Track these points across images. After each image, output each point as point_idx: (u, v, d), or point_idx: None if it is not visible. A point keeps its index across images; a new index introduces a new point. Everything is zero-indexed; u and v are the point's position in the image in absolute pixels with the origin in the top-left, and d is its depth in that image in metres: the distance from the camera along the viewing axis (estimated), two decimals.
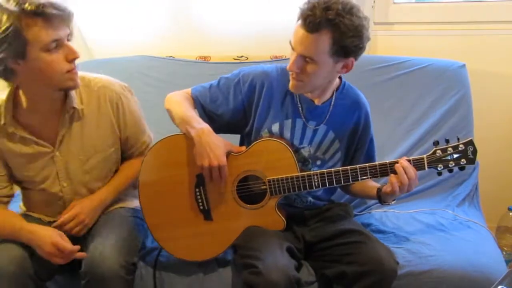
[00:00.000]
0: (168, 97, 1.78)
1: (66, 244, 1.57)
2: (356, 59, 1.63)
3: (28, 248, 1.58)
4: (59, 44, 1.46)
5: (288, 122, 1.75)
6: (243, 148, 1.72)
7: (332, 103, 1.75)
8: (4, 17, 1.37)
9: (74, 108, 1.63)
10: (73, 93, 1.62)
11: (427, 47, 2.45)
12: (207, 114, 1.77)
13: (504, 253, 2.31)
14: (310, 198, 1.81)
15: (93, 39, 2.60)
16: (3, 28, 1.37)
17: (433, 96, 2.24)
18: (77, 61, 1.55)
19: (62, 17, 1.43)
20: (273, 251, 1.56)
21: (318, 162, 1.78)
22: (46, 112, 1.62)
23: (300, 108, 1.75)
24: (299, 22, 1.56)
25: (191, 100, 1.77)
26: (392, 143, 2.18)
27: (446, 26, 2.47)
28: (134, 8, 2.55)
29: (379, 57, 2.38)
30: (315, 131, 1.76)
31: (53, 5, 1.41)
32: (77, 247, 1.58)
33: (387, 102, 2.27)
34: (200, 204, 1.72)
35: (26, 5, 1.38)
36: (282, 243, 1.62)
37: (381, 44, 2.51)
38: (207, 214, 1.73)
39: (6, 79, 1.50)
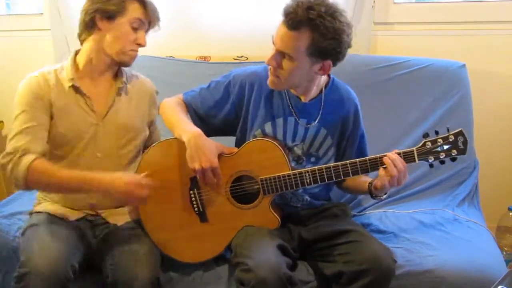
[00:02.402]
0: (162, 104, 1.83)
1: (139, 177, 1.64)
2: (334, 64, 1.63)
3: (65, 248, 1.57)
4: (139, 26, 1.74)
5: (280, 121, 1.75)
6: (235, 149, 1.73)
7: (322, 100, 1.76)
8: None
9: (123, 82, 1.80)
10: (123, 73, 1.83)
11: (427, 47, 2.45)
12: (199, 117, 1.79)
13: (504, 253, 2.30)
14: (306, 197, 1.81)
15: None
16: None
17: (433, 96, 2.24)
18: None
19: (152, 11, 1.76)
20: (264, 249, 1.57)
21: (312, 159, 1.79)
22: (97, 80, 1.79)
23: (290, 106, 1.75)
24: (282, 18, 1.58)
25: (184, 105, 1.80)
26: (391, 143, 2.17)
27: (446, 26, 2.47)
28: None
29: (379, 57, 2.38)
30: (306, 129, 1.76)
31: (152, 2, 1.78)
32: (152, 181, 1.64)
33: (387, 102, 2.27)
34: (195, 206, 1.74)
35: None
36: (274, 241, 1.62)
37: (381, 44, 2.51)
38: (202, 216, 1.74)
39: (86, 29, 1.75)
